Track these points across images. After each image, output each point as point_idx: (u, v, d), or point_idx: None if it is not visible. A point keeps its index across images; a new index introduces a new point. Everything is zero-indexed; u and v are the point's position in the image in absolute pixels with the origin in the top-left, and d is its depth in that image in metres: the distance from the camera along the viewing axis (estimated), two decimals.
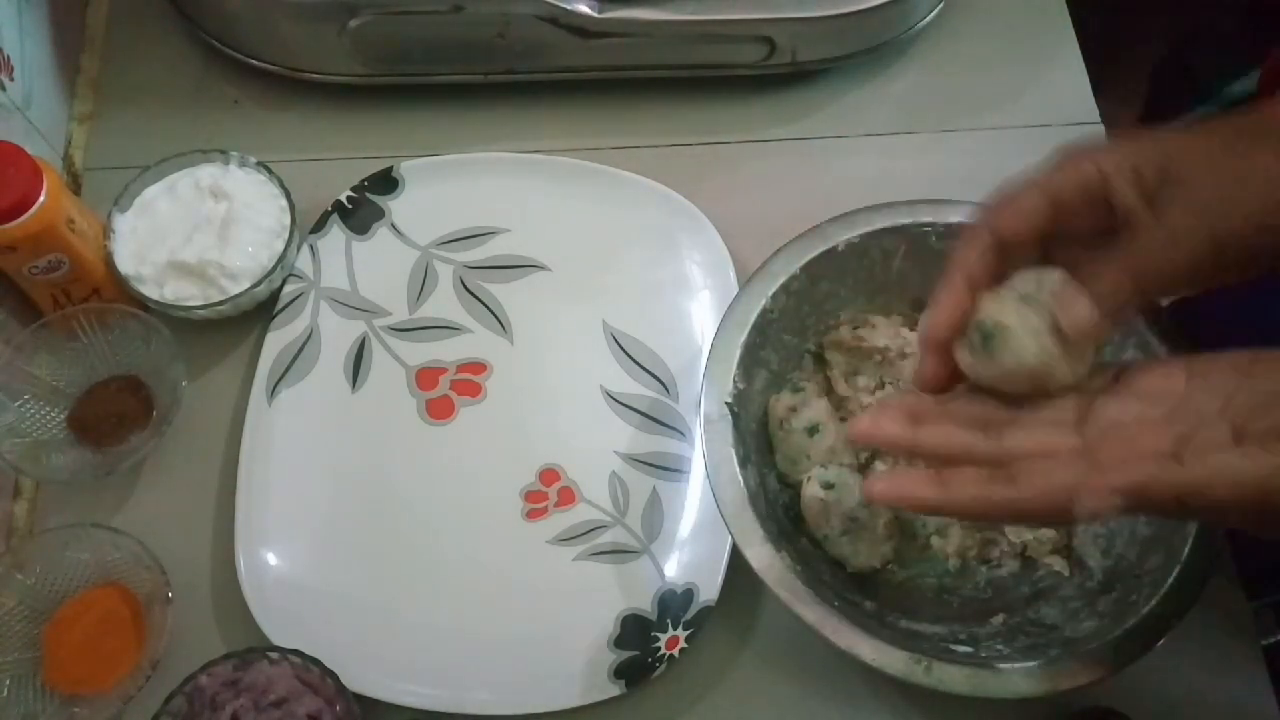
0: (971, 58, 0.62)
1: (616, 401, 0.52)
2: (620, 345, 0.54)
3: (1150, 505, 0.30)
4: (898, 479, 0.34)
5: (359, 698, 0.44)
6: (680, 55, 0.58)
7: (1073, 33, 0.63)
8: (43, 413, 0.51)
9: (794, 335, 0.50)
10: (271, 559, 0.48)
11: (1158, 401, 0.33)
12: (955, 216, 0.49)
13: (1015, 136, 0.60)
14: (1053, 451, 0.33)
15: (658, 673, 0.45)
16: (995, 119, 0.61)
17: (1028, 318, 0.34)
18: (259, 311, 0.54)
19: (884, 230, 0.49)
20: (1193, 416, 0.32)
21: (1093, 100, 0.61)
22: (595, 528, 0.50)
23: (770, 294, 0.48)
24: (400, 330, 0.54)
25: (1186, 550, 0.42)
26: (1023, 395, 0.35)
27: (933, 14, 0.61)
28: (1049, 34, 0.63)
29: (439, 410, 0.52)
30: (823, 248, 0.48)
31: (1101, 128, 0.60)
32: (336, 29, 0.55)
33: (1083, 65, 0.62)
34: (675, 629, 0.46)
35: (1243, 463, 0.29)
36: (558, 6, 0.54)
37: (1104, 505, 0.30)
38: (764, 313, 0.47)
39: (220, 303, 0.51)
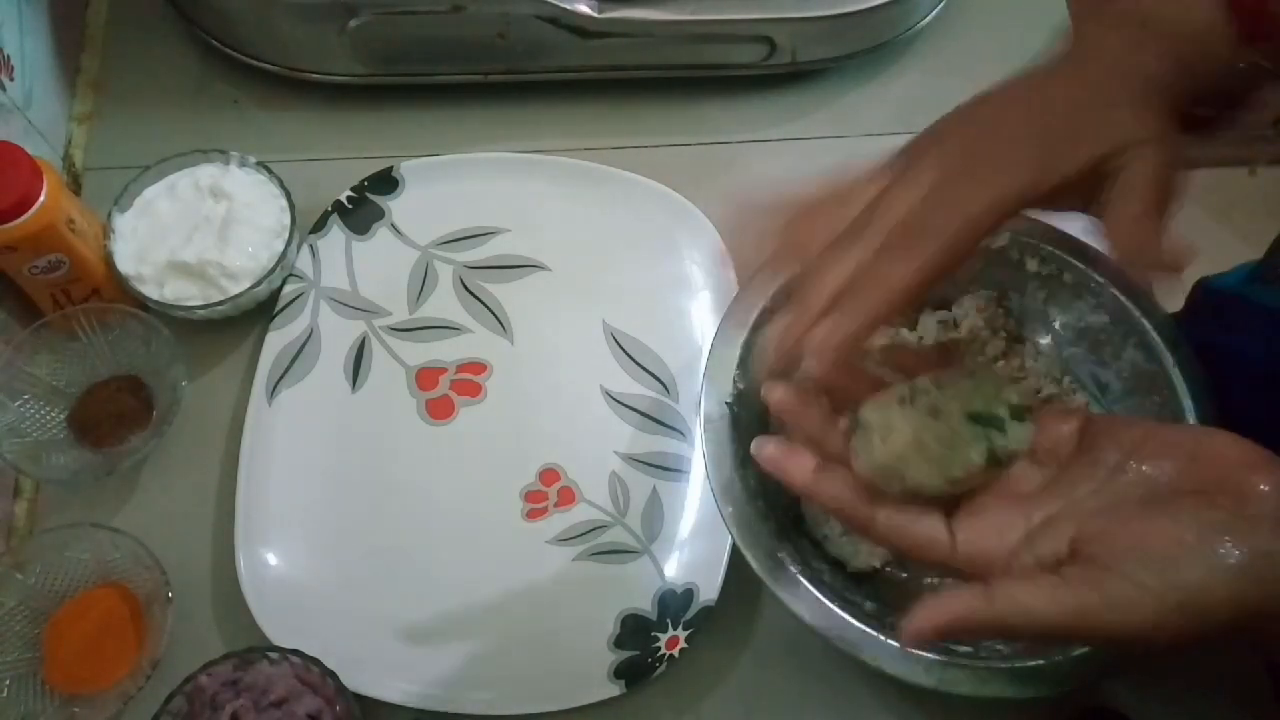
0: (971, 58, 0.62)
1: (616, 401, 0.52)
2: (620, 345, 0.54)
3: (967, 633, 0.31)
4: (784, 455, 0.35)
5: (359, 697, 0.44)
6: (680, 55, 0.58)
7: (1072, 32, 0.63)
8: (43, 413, 0.51)
9: None
10: (271, 559, 0.48)
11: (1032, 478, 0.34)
12: None
13: None
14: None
15: (658, 673, 0.45)
16: None
17: (890, 417, 0.33)
18: (259, 311, 0.54)
19: None
20: (1051, 498, 0.32)
21: None
22: (595, 528, 0.50)
23: (770, 294, 0.47)
24: (400, 330, 0.54)
25: None
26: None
27: (933, 14, 0.61)
28: (1048, 33, 0.63)
29: (439, 410, 0.52)
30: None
31: None
32: (336, 29, 0.55)
33: None
34: (675, 629, 0.46)
35: (1040, 597, 0.30)
36: (558, 6, 0.54)
37: (920, 633, 0.30)
38: (764, 313, 0.47)
39: (220, 303, 0.51)
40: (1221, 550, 0.29)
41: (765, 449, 0.36)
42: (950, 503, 0.34)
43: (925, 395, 0.34)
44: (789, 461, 0.35)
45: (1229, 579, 0.28)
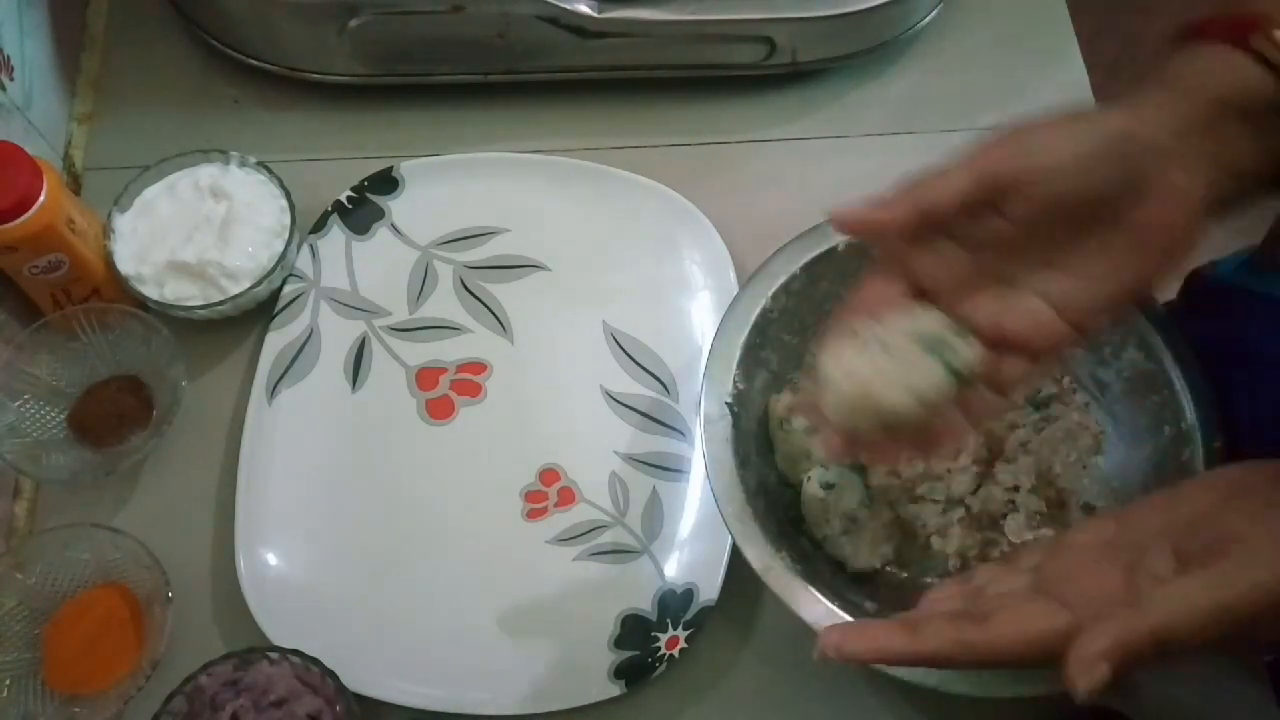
0: (972, 57, 0.62)
1: (616, 401, 0.52)
2: (620, 345, 0.54)
3: (1135, 659, 0.29)
4: (865, 637, 0.33)
5: (359, 697, 0.44)
6: (680, 55, 0.58)
7: (1073, 32, 0.63)
8: (43, 413, 0.51)
9: (794, 335, 0.50)
10: (271, 559, 0.48)
11: (1096, 550, 0.33)
12: None
13: None
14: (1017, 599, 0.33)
15: (658, 673, 0.45)
16: (995, 119, 0.60)
17: (846, 360, 0.34)
18: (259, 311, 0.54)
19: None
20: (1134, 547, 0.32)
21: (1093, 100, 0.61)
22: (595, 528, 0.50)
23: (770, 294, 0.48)
24: (400, 330, 0.54)
25: None
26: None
27: (933, 14, 0.61)
28: (1049, 33, 0.63)
29: (439, 410, 0.52)
30: (823, 248, 0.48)
31: None
32: (336, 29, 0.55)
33: (1083, 65, 0.62)
34: (675, 629, 0.46)
35: (1190, 589, 0.29)
36: (558, 6, 0.54)
37: (1096, 678, 0.29)
38: (764, 313, 0.47)
39: (220, 303, 0.51)
40: None
41: (831, 638, 0.32)
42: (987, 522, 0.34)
43: (872, 333, 0.35)
44: (867, 640, 0.32)
45: None
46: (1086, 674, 0.29)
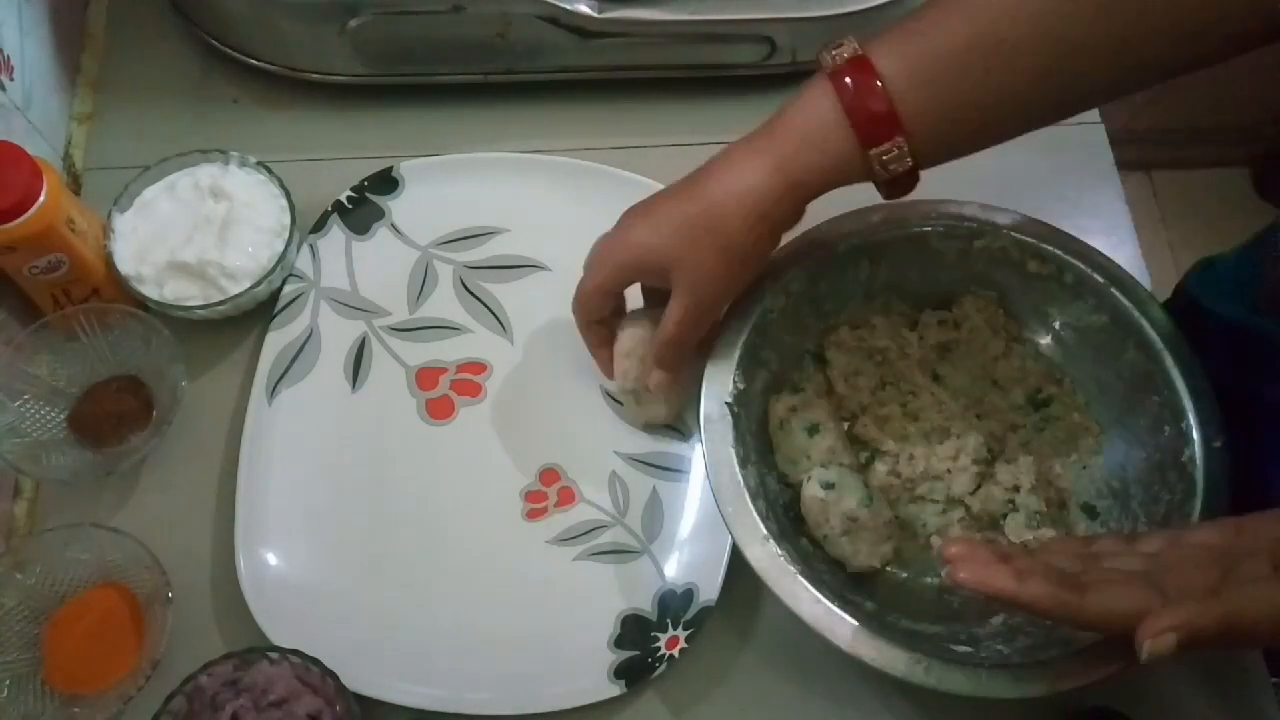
0: None
1: (616, 401, 0.52)
2: None
3: (1201, 639, 0.32)
4: (979, 567, 0.36)
5: (359, 697, 0.44)
6: (680, 55, 0.58)
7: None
8: (43, 413, 0.51)
9: (794, 335, 0.50)
10: (271, 559, 0.48)
11: (1212, 550, 0.36)
12: (954, 216, 0.49)
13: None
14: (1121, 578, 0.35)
15: (658, 673, 0.45)
16: None
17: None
18: (259, 311, 0.54)
19: (884, 230, 0.49)
20: (1241, 554, 0.34)
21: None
22: (595, 528, 0.50)
23: (770, 294, 0.48)
24: (400, 330, 0.54)
25: None
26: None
27: None
28: None
29: (439, 410, 0.52)
30: (822, 248, 0.48)
31: (1101, 127, 0.60)
32: (336, 29, 0.55)
33: None
34: (675, 629, 0.46)
35: (1271, 588, 0.32)
36: (558, 6, 0.54)
37: (1162, 646, 0.32)
38: (764, 313, 0.47)
39: (220, 303, 0.51)
40: None
41: (960, 574, 0.36)
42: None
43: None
44: (990, 574, 0.35)
45: None
46: (1153, 639, 0.32)
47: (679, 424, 0.52)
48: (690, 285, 0.43)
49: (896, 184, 0.41)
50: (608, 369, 0.49)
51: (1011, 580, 0.35)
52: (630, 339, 0.49)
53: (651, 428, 0.52)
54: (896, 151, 0.39)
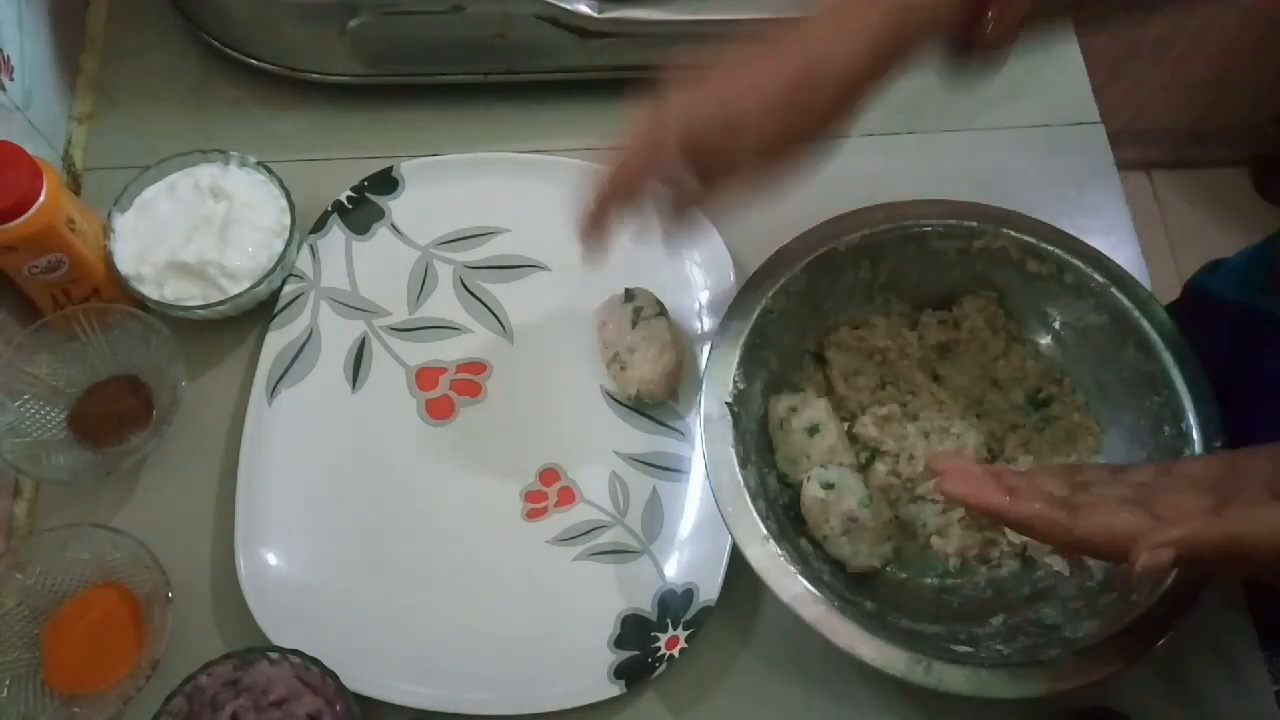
0: None
1: (616, 401, 0.52)
2: None
3: (1197, 557, 0.32)
4: (971, 480, 0.36)
5: (359, 697, 0.44)
6: (680, 55, 0.58)
7: (1074, 31, 0.63)
8: (43, 412, 0.51)
9: (794, 335, 0.50)
10: (271, 559, 0.48)
11: (1204, 481, 0.36)
12: (954, 216, 0.49)
13: (1016, 136, 0.60)
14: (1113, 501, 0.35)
15: (658, 673, 0.45)
16: (995, 119, 0.61)
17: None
18: (259, 311, 0.54)
19: (884, 230, 0.49)
20: (1235, 488, 0.34)
21: (1093, 99, 0.61)
22: (595, 528, 0.50)
23: (770, 294, 0.48)
24: (400, 330, 0.54)
25: None
26: None
27: None
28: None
29: (439, 410, 0.52)
30: (823, 248, 0.49)
31: (1101, 127, 0.60)
32: (336, 29, 0.55)
33: (1083, 65, 0.62)
34: (675, 629, 0.46)
35: (1273, 512, 0.32)
36: (557, 6, 0.54)
37: (1157, 559, 0.32)
38: (764, 313, 0.47)
39: (220, 303, 0.51)
40: None
41: (948, 485, 0.36)
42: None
43: None
44: (971, 485, 0.36)
45: None
46: (1150, 554, 0.32)
47: (672, 398, 0.51)
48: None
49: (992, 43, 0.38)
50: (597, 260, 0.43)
51: (1002, 496, 0.35)
52: (606, 309, 0.50)
53: (649, 418, 0.52)
54: None
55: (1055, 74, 0.62)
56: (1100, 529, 0.34)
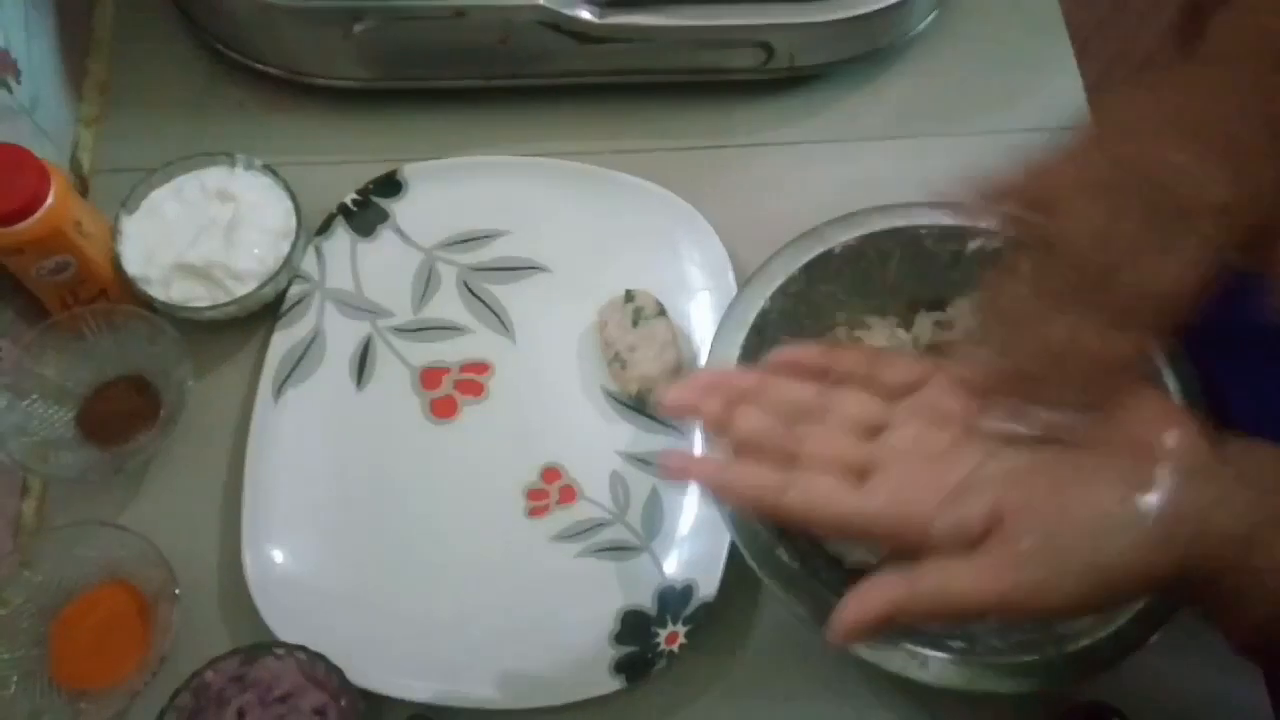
0: (967, 62, 0.63)
1: (617, 400, 0.53)
2: None
3: (905, 622, 0.31)
4: (692, 461, 0.35)
5: (363, 692, 0.44)
6: (680, 60, 0.59)
7: (1068, 36, 0.63)
8: (50, 412, 0.51)
9: (792, 336, 0.50)
10: (277, 556, 0.49)
11: (942, 419, 0.33)
12: (950, 219, 0.50)
13: (1011, 140, 0.60)
14: (839, 458, 0.33)
15: (657, 668, 0.46)
16: (991, 123, 0.62)
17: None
18: (265, 312, 0.54)
19: (881, 233, 0.50)
20: (964, 460, 0.32)
21: (1087, 104, 0.62)
22: (596, 525, 0.50)
23: (769, 295, 0.48)
24: (404, 331, 0.55)
25: None
26: None
27: (929, 20, 0.62)
28: (1043, 38, 0.64)
29: (442, 409, 0.53)
30: (821, 250, 0.49)
31: None
32: (341, 34, 0.55)
33: (1077, 70, 0.63)
34: (675, 625, 0.47)
35: (955, 578, 0.30)
36: (559, 12, 0.55)
37: (846, 635, 0.31)
38: (763, 314, 0.48)
39: (227, 304, 0.52)
40: (1139, 513, 0.29)
41: (670, 462, 0.35)
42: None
43: None
44: (695, 467, 0.35)
45: (1141, 550, 0.29)
46: (846, 632, 0.31)
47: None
48: None
49: None
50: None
51: (715, 472, 0.33)
52: (606, 310, 0.51)
53: (649, 417, 0.52)
54: None
55: (1049, 79, 0.62)
56: (809, 505, 0.32)
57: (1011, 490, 0.31)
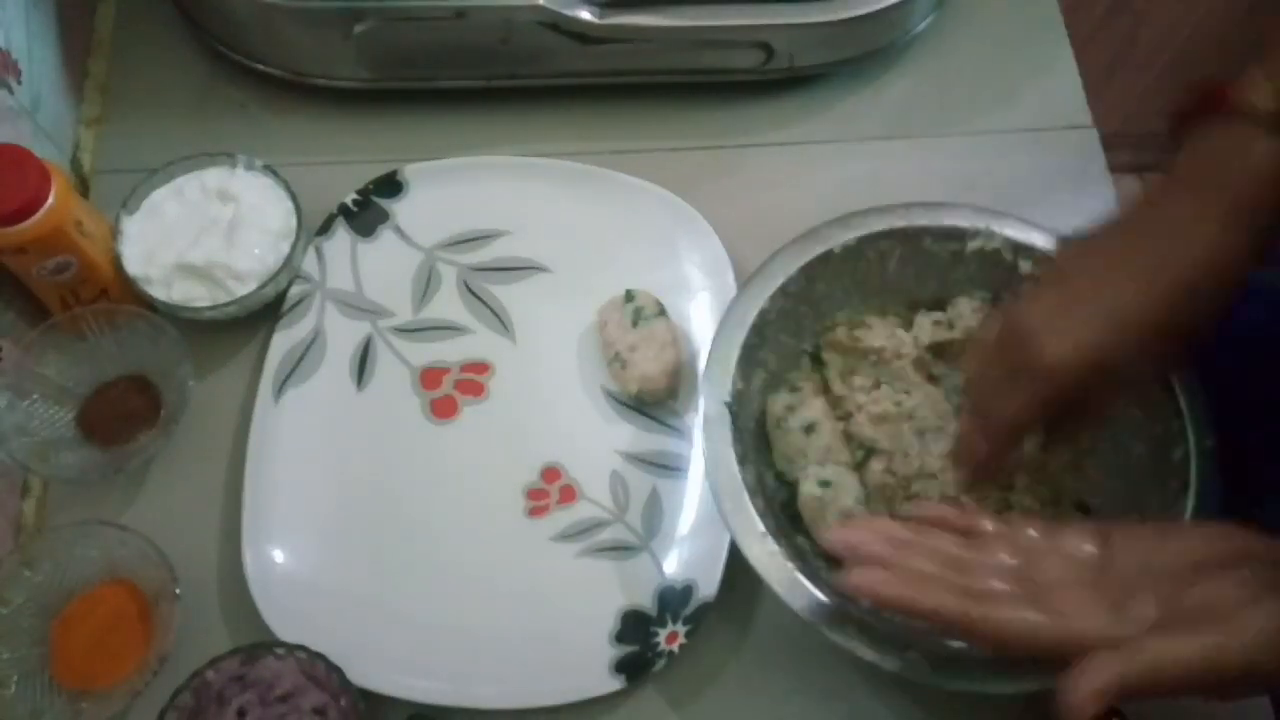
0: (966, 63, 0.63)
1: (617, 400, 0.53)
2: None
3: (1129, 695, 0.33)
4: (880, 578, 0.36)
5: (364, 692, 0.44)
6: (679, 60, 0.59)
7: (1066, 37, 0.64)
8: (51, 412, 0.51)
9: (791, 336, 0.51)
10: (278, 556, 0.49)
11: (1081, 563, 0.37)
12: (949, 219, 0.50)
13: (1009, 140, 0.61)
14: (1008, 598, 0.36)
15: (657, 667, 0.46)
16: (989, 123, 0.62)
17: None
18: (265, 312, 0.54)
19: (880, 233, 0.50)
20: (1113, 578, 0.36)
21: (1086, 104, 0.62)
22: (596, 525, 0.50)
23: (768, 295, 0.48)
24: (404, 331, 0.55)
25: None
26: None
27: (928, 20, 0.62)
28: (1043, 38, 0.64)
29: (443, 409, 0.53)
30: (820, 250, 0.49)
31: (1094, 130, 0.61)
32: (341, 34, 0.55)
33: (1076, 69, 0.63)
34: (675, 624, 0.47)
35: (1169, 641, 0.33)
36: (559, 13, 0.55)
37: (1094, 709, 0.32)
38: (762, 314, 0.48)
39: (227, 304, 0.52)
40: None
41: (857, 581, 0.36)
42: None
43: None
44: (881, 585, 0.36)
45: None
46: (1086, 704, 0.32)
47: (672, 396, 0.52)
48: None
49: None
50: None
51: (908, 589, 0.35)
52: (606, 310, 0.51)
53: (649, 417, 0.52)
54: None
55: (1048, 78, 0.62)
56: (1016, 632, 0.35)
57: (1166, 585, 0.35)
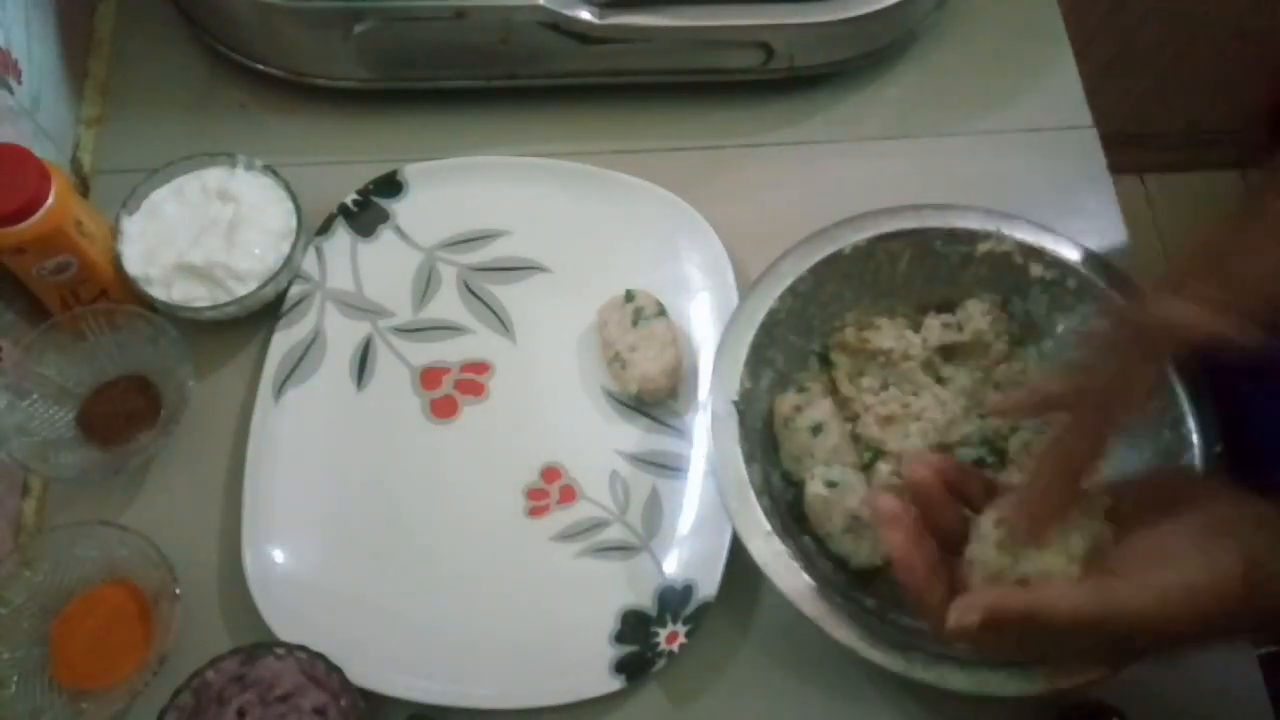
0: (967, 63, 0.63)
1: (617, 401, 0.53)
2: None
3: (1005, 620, 0.35)
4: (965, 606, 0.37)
5: (364, 692, 0.44)
6: (679, 61, 0.59)
7: (1066, 37, 0.64)
8: (51, 412, 0.51)
9: (800, 336, 0.50)
10: (278, 556, 0.49)
11: None
12: (960, 222, 0.50)
13: (1009, 141, 0.61)
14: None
15: (658, 667, 0.46)
16: (990, 123, 0.62)
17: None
18: (265, 312, 0.54)
19: (890, 234, 0.50)
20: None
21: (1086, 104, 0.62)
22: (596, 525, 0.50)
23: (778, 295, 0.48)
24: (404, 331, 0.55)
25: None
26: None
27: (929, 20, 0.62)
28: (1043, 39, 0.64)
29: (443, 409, 0.53)
30: (830, 250, 0.49)
31: (1094, 131, 0.61)
32: (341, 34, 0.55)
33: (1076, 70, 0.63)
34: (675, 624, 0.47)
35: (1060, 589, 0.36)
36: (559, 13, 0.55)
37: (966, 619, 0.35)
38: (771, 313, 0.48)
39: (227, 304, 0.52)
40: (1215, 550, 0.35)
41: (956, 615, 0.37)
42: None
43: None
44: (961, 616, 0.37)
45: (1216, 574, 0.35)
46: (961, 619, 0.35)
47: (672, 396, 0.52)
48: None
49: None
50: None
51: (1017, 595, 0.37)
52: (606, 309, 0.51)
53: (649, 417, 0.52)
54: None
55: (1048, 78, 0.62)
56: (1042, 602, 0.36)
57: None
